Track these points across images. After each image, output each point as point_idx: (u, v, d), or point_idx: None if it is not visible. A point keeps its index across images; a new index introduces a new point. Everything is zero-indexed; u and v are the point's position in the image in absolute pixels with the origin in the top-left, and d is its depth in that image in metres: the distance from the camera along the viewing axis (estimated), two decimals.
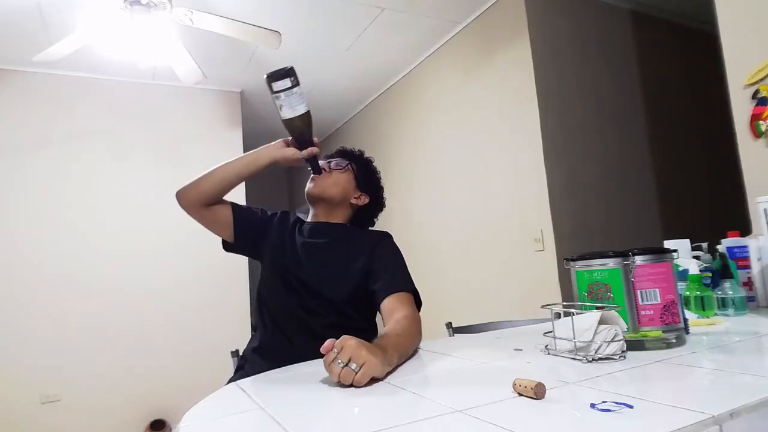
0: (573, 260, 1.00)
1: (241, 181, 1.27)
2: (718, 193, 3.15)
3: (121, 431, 3.29)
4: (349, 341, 0.78)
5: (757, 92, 1.71)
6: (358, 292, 1.22)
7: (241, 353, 1.34)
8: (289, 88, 1.10)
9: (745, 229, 1.58)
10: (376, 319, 1.27)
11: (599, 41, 3.04)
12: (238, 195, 3.93)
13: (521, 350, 0.96)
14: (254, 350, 1.25)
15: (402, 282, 1.20)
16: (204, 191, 1.25)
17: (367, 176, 1.40)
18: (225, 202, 1.31)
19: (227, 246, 1.35)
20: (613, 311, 0.85)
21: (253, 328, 1.36)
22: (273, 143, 1.25)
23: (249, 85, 3.97)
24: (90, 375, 3.27)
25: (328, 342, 0.79)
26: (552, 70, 2.81)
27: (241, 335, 3.48)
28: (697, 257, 1.42)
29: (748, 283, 1.39)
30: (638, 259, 0.92)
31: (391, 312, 1.11)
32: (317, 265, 1.26)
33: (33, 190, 3.31)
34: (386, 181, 1.51)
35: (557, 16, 2.90)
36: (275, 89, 1.11)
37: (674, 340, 0.90)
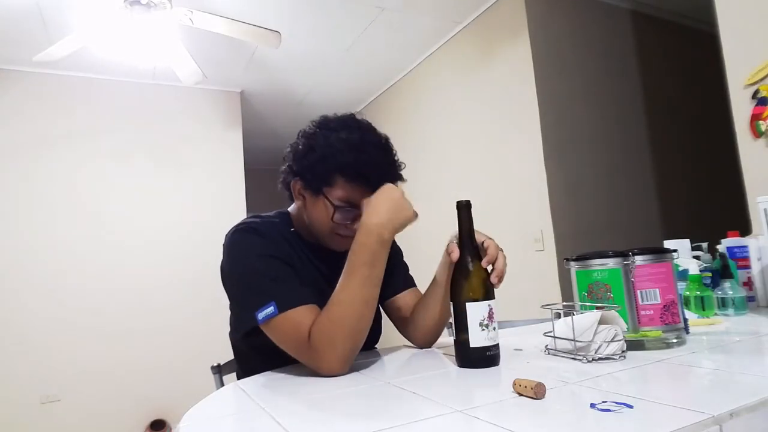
0: (573, 260, 1.00)
1: None
2: (718, 193, 3.15)
3: (121, 431, 3.29)
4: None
5: (757, 92, 1.71)
6: None
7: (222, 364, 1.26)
8: None
9: (745, 229, 1.58)
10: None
11: (599, 41, 3.04)
12: (238, 195, 3.93)
13: (521, 350, 0.96)
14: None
15: (411, 279, 1.24)
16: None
17: None
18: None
19: None
20: (613, 311, 0.84)
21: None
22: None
23: (249, 85, 3.97)
24: (90, 375, 3.27)
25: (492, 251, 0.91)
26: (552, 70, 2.81)
27: None
28: (697, 257, 1.42)
29: (748, 283, 1.38)
30: (638, 259, 0.92)
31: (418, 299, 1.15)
32: None
33: (33, 190, 3.31)
34: None
35: (557, 16, 2.90)
36: None
37: (674, 340, 0.89)
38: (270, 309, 0.89)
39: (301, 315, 0.89)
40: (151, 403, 3.38)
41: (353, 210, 0.98)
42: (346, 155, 0.96)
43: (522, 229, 2.80)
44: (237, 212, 3.89)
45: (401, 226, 0.92)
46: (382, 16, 3.07)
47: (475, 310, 0.84)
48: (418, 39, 3.43)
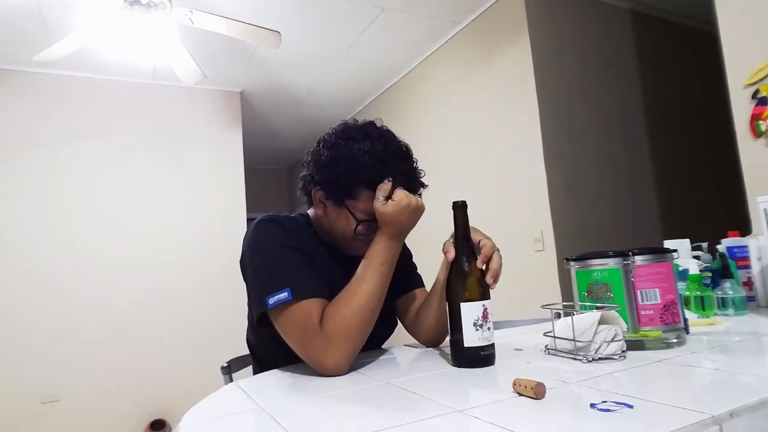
0: (573, 260, 1.00)
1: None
2: (718, 193, 3.15)
3: (121, 431, 3.29)
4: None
5: (757, 92, 1.71)
6: None
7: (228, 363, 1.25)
8: None
9: (745, 229, 1.58)
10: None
11: (599, 41, 3.04)
12: (238, 195, 3.93)
13: (521, 350, 0.96)
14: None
15: (420, 279, 1.24)
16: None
17: None
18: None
19: None
20: (613, 311, 0.84)
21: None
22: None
23: (249, 85, 3.97)
24: (90, 375, 3.27)
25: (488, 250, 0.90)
26: (552, 69, 2.81)
27: (242, 337, 3.49)
28: (697, 257, 1.42)
29: (748, 283, 1.38)
30: (638, 259, 0.92)
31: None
32: None
33: (33, 190, 3.31)
34: None
35: (557, 16, 2.90)
36: None
37: (674, 340, 0.89)
38: (284, 294, 0.89)
39: (315, 306, 0.89)
40: (151, 403, 3.38)
41: (375, 223, 0.98)
42: (370, 169, 0.96)
43: (522, 229, 2.80)
44: (237, 212, 3.89)
45: (413, 225, 0.99)
46: (382, 16, 3.07)
47: (469, 310, 0.84)
48: (418, 39, 3.43)
